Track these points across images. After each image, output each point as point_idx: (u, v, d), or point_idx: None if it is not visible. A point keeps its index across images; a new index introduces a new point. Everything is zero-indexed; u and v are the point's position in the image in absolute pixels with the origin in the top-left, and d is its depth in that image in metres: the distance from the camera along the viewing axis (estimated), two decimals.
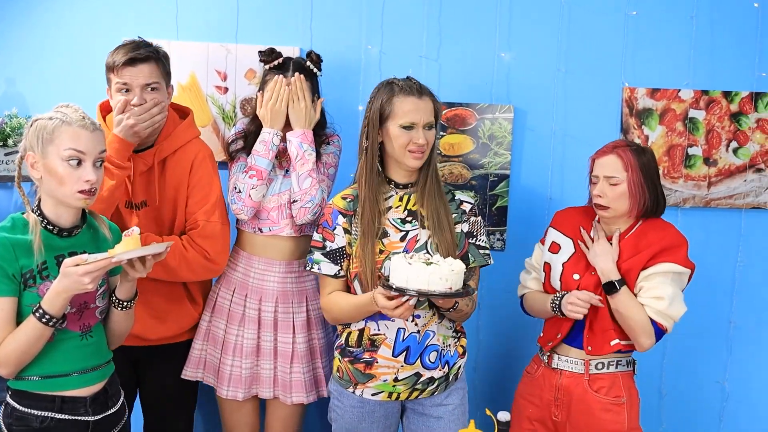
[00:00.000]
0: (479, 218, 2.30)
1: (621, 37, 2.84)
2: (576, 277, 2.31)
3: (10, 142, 2.65)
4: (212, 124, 2.85)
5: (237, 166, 2.49)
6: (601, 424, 2.26)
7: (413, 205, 2.23)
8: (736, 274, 2.92)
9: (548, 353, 2.36)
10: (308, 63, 2.51)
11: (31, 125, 1.88)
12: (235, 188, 2.43)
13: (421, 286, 1.93)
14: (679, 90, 2.85)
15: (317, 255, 2.24)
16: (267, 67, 2.50)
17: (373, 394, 2.21)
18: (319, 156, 2.51)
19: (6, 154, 2.66)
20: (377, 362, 2.18)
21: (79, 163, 1.85)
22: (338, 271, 2.23)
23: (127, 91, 2.30)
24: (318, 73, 2.54)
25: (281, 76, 2.44)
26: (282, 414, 2.52)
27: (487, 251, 2.28)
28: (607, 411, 2.26)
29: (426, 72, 2.84)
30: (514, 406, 2.45)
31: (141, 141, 2.37)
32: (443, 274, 1.94)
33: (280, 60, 2.49)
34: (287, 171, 2.49)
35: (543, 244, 2.48)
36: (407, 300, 1.99)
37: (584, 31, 2.85)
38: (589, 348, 2.28)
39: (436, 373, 2.21)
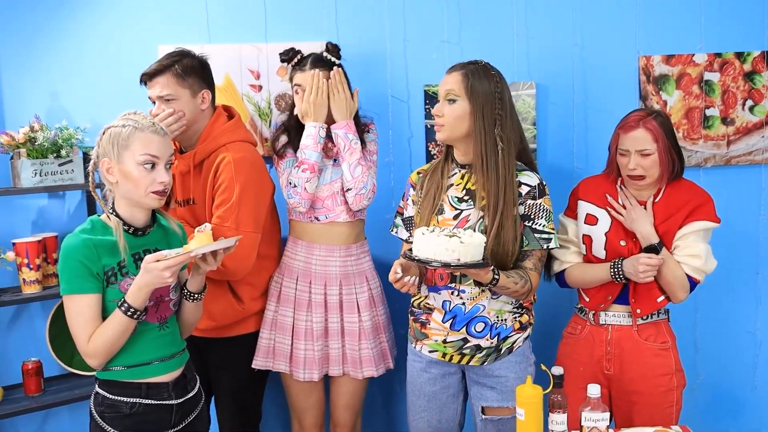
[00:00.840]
0: (539, 201, 2.28)
1: (633, 6, 2.95)
2: (623, 243, 2.43)
3: (62, 153, 2.80)
4: (249, 121, 2.99)
5: (286, 162, 2.64)
6: (652, 369, 2.41)
7: (472, 185, 2.32)
8: (759, 226, 3.03)
9: (593, 312, 2.48)
10: (325, 54, 2.65)
11: (104, 133, 2.01)
12: (290, 183, 2.57)
13: (428, 255, 2.00)
14: (693, 54, 2.97)
15: (398, 219, 2.48)
16: (289, 66, 2.67)
17: (429, 351, 2.38)
18: (363, 144, 2.64)
19: (60, 165, 2.80)
20: (429, 324, 2.35)
21: (153, 166, 1.99)
22: (408, 237, 2.41)
23: (154, 103, 2.50)
24: (336, 61, 2.67)
25: (317, 70, 2.57)
26: (350, 389, 2.69)
27: (546, 235, 2.28)
28: (656, 356, 2.42)
29: (449, 55, 2.97)
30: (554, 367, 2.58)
31: (184, 143, 2.55)
32: (450, 245, 1.98)
33: (299, 57, 2.66)
34: (335, 160, 2.63)
35: (571, 217, 2.57)
36: (402, 278, 2.13)
37: (597, 3, 2.96)
38: (639, 311, 2.42)
39: (484, 342, 2.32)
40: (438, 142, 2.84)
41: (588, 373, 2.47)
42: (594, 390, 1.99)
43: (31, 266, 2.75)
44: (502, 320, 2.32)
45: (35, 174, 2.76)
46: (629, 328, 2.45)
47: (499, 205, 2.21)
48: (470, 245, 2.01)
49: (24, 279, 2.78)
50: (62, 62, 2.99)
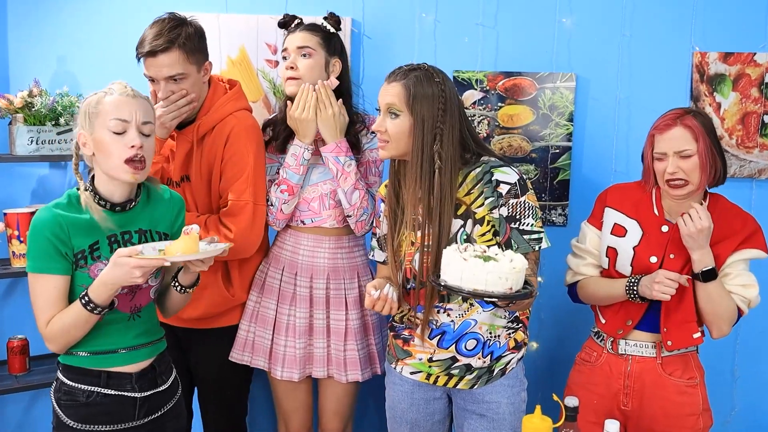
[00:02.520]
0: (523, 199, 2.01)
1: None
2: (653, 260, 2.15)
3: (62, 121, 2.63)
4: (263, 99, 2.79)
5: (266, 168, 2.42)
6: (676, 408, 2.14)
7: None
8: None
9: (611, 339, 2.23)
10: (323, 23, 2.42)
11: (80, 105, 1.86)
12: (267, 200, 2.37)
13: (478, 285, 1.74)
14: (755, 53, 2.67)
15: (373, 241, 2.24)
16: (285, 32, 2.45)
17: (411, 373, 2.14)
18: (357, 147, 2.41)
19: (58, 133, 2.64)
20: (413, 341, 2.12)
21: (125, 132, 1.82)
22: (386, 257, 2.16)
23: (153, 81, 2.25)
24: (329, 28, 2.43)
25: (308, 84, 2.33)
26: (336, 393, 2.47)
27: (535, 235, 2.02)
28: (682, 393, 2.14)
29: (483, 40, 2.73)
30: (567, 396, 2.33)
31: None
32: (503, 272, 1.74)
33: (297, 22, 2.43)
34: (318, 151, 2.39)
35: (595, 226, 2.30)
36: (380, 295, 1.94)
37: None
38: (669, 343, 2.13)
39: (475, 362, 2.07)
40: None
41: (602, 407, 2.21)
42: (612, 427, 1.75)
43: (22, 239, 2.59)
44: (495, 337, 2.08)
45: (31, 141, 2.59)
46: (653, 360, 2.18)
47: (436, 223, 1.98)
48: (521, 270, 1.77)
49: (13, 252, 2.62)
50: (72, 27, 2.81)
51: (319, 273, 2.42)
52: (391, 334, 2.20)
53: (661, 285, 2.04)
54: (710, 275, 2.06)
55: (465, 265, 1.75)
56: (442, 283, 1.81)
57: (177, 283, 1.96)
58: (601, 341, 2.26)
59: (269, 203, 2.38)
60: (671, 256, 2.14)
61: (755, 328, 2.78)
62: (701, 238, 2.04)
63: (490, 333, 2.07)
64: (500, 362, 2.10)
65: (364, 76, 2.75)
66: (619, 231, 2.23)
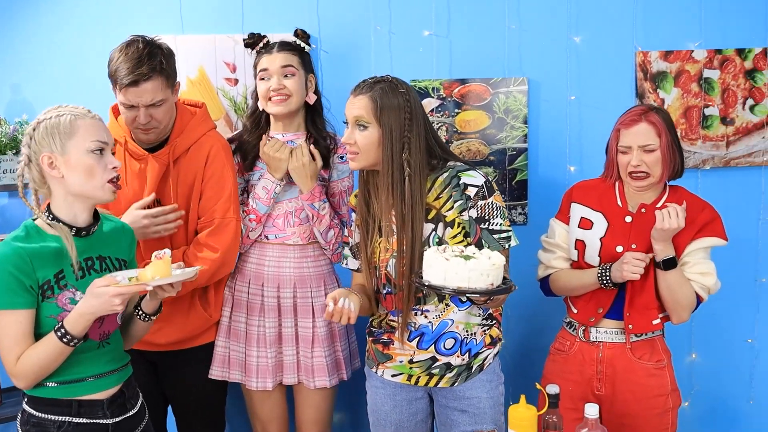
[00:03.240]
0: (490, 200, 2.08)
1: (631, 0, 2.81)
2: (619, 249, 2.27)
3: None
4: (224, 117, 2.81)
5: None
6: (646, 390, 2.25)
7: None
8: (759, 231, 2.91)
9: (583, 327, 2.34)
10: (296, 40, 2.49)
11: (36, 128, 1.82)
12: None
13: (461, 283, 1.81)
14: (692, 51, 2.83)
15: (346, 250, 2.29)
16: (253, 51, 2.50)
17: (393, 375, 2.20)
18: (328, 166, 2.48)
19: (20, 162, 2.61)
20: (393, 344, 2.18)
21: (102, 152, 1.84)
22: (360, 265, 2.23)
23: (131, 107, 2.24)
24: (306, 47, 2.50)
25: (286, 145, 2.42)
26: (312, 401, 2.52)
27: (504, 234, 2.09)
28: (651, 376, 2.26)
29: (437, 49, 2.81)
30: (544, 386, 2.42)
31: (153, 139, 2.33)
32: (484, 269, 1.81)
33: (265, 41, 2.49)
34: (291, 177, 2.45)
35: (562, 221, 2.41)
36: (340, 309, 1.99)
37: None
38: (630, 326, 2.26)
39: (455, 360, 2.14)
40: None
41: (577, 392, 2.32)
42: (592, 410, 1.84)
43: None
44: (471, 335, 2.15)
45: None
46: (622, 345, 2.29)
47: (409, 228, 2.05)
48: (500, 267, 1.85)
49: None
50: (26, 53, 2.78)
51: (285, 282, 2.47)
52: (370, 339, 2.25)
53: (629, 265, 2.16)
54: (670, 264, 2.18)
55: (448, 265, 1.82)
56: (425, 283, 1.87)
57: (140, 312, 1.96)
58: (573, 330, 2.36)
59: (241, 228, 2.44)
60: (633, 246, 2.25)
61: (708, 308, 2.91)
62: (670, 233, 2.15)
63: (467, 331, 2.14)
64: (478, 359, 2.17)
65: (323, 90, 2.80)
66: (585, 224, 2.34)
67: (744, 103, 2.86)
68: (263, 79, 2.43)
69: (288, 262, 2.47)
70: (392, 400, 2.22)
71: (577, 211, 2.37)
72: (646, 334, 2.28)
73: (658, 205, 2.25)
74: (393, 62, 2.81)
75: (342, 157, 2.51)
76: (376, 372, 2.24)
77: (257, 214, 2.42)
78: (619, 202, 2.32)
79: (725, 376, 3.00)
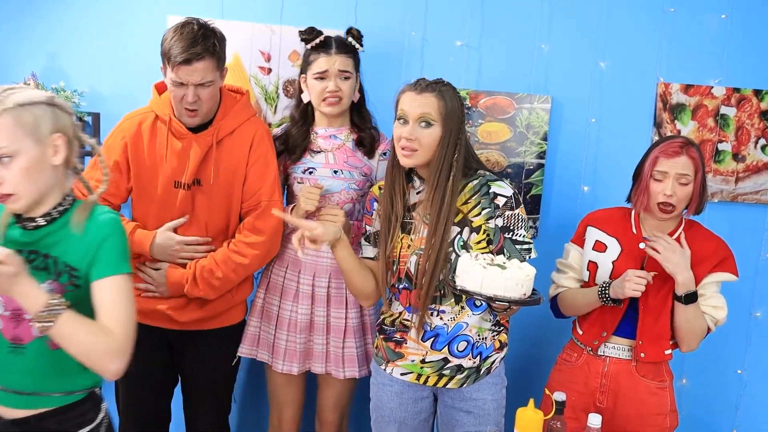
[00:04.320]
0: (516, 211, 2.15)
1: (657, 32, 2.90)
2: None
3: None
4: (255, 104, 2.87)
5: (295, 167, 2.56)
6: (647, 407, 2.33)
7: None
8: (759, 267, 3.00)
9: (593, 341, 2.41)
10: (350, 39, 2.54)
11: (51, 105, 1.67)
12: None
13: (497, 291, 1.91)
14: (712, 87, 2.92)
15: (363, 240, 2.33)
16: (309, 46, 2.50)
17: (402, 374, 2.24)
18: (371, 153, 2.58)
19: None
20: (406, 343, 2.23)
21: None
22: (376, 254, 2.27)
23: (180, 85, 2.29)
24: (359, 48, 2.56)
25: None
26: (335, 390, 2.59)
27: (525, 246, 2.17)
28: (653, 394, 2.34)
29: (467, 60, 2.89)
30: (545, 397, 2.49)
31: (198, 122, 2.38)
32: (519, 279, 1.91)
33: (322, 38, 2.49)
34: (335, 171, 2.52)
35: (577, 244, 2.49)
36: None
37: (622, 25, 2.90)
38: (642, 355, 2.33)
39: (466, 362, 2.20)
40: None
41: (579, 403, 2.39)
42: (595, 420, 1.92)
43: None
44: (482, 339, 2.22)
45: None
46: (628, 362, 2.37)
47: (442, 228, 2.11)
48: (532, 278, 1.96)
49: None
50: (64, 22, 2.84)
51: (322, 271, 2.52)
52: (381, 336, 2.29)
53: (631, 282, 2.21)
54: (692, 298, 2.25)
55: (485, 273, 1.91)
56: (459, 287, 1.96)
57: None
58: (581, 344, 2.44)
59: None
60: (653, 274, 2.27)
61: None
62: (683, 261, 2.23)
63: (479, 335, 2.21)
64: (487, 362, 2.24)
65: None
66: (599, 247, 2.42)
67: (756, 143, 2.96)
68: (321, 79, 2.46)
69: (326, 252, 2.49)
70: (399, 398, 2.28)
71: (593, 234, 2.45)
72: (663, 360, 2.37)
73: (674, 236, 2.33)
74: (424, 68, 2.89)
75: (385, 154, 2.56)
76: (385, 369, 2.28)
77: None
78: (634, 230, 2.40)
79: (713, 403, 3.09)
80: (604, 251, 2.41)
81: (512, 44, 2.90)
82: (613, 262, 2.38)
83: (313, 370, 2.55)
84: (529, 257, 2.19)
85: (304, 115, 2.55)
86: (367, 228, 2.32)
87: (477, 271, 1.94)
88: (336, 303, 2.54)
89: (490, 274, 1.92)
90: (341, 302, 2.54)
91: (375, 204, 2.28)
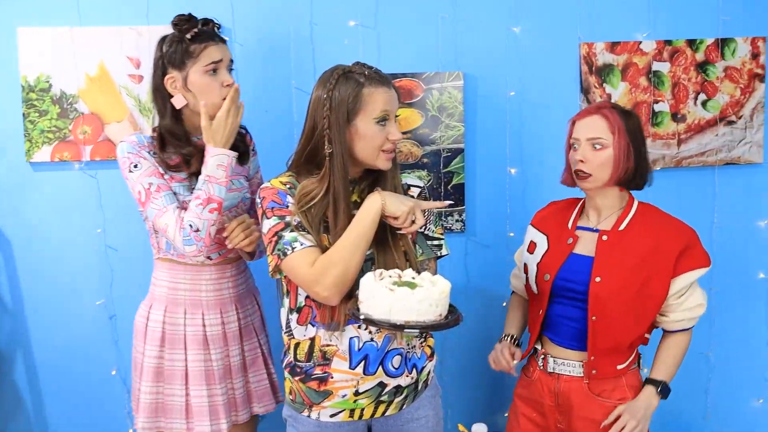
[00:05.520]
0: None
1: None
2: (546, 278, 2.05)
3: None
4: (128, 117, 2.54)
5: (164, 196, 2.03)
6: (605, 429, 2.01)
7: (359, 197, 1.90)
8: (713, 236, 2.70)
9: (542, 356, 2.11)
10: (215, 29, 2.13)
11: None
12: (191, 226, 1.99)
13: (409, 316, 1.62)
14: (640, 42, 2.62)
15: (289, 234, 1.81)
16: (188, 36, 2.06)
17: (331, 415, 1.90)
18: (246, 158, 2.23)
19: None
20: (332, 377, 1.87)
21: None
22: (318, 240, 1.86)
23: (215, 71, 2.07)
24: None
25: (237, 85, 2.07)
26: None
27: (437, 242, 1.95)
28: (609, 414, 2.01)
29: (363, 41, 2.57)
30: (512, 408, 2.21)
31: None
32: (433, 299, 1.63)
33: (199, 27, 2.08)
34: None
35: (524, 240, 2.24)
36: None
37: None
38: (594, 372, 2.02)
39: (403, 380, 1.90)
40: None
41: (540, 421, 2.12)
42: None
43: None
44: (412, 348, 1.92)
45: None
46: (580, 379, 2.04)
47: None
48: (448, 295, 1.69)
49: None
50: None
51: (227, 305, 2.18)
52: (297, 378, 1.92)
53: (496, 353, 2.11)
54: (667, 390, 2.03)
55: (393, 297, 1.61)
56: (364, 316, 1.65)
57: None
58: (536, 356, 2.14)
59: (193, 228, 1.99)
60: (597, 279, 1.98)
61: None
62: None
63: (408, 344, 1.91)
64: (423, 374, 1.96)
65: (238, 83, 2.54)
66: (531, 247, 2.16)
67: (696, 99, 2.65)
68: (214, 71, 2.06)
69: (227, 282, 2.18)
70: None
71: (530, 234, 2.20)
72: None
73: (622, 228, 2.02)
74: (315, 55, 2.57)
75: (253, 149, 2.29)
76: (308, 416, 1.92)
77: (218, 200, 2.00)
78: (570, 223, 2.09)
79: (680, 390, 2.78)
80: (533, 252, 2.13)
81: (412, 18, 2.58)
82: (537, 264, 2.09)
83: (239, 419, 2.21)
84: (440, 254, 1.94)
85: (182, 125, 2.11)
86: (290, 219, 1.84)
87: (383, 296, 1.63)
88: (247, 334, 2.22)
89: (399, 297, 1.61)
90: (251, 332, 2.23)
91: (288, 197, 1.85)
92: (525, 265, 2.16)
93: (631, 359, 2.05)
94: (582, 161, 1.98)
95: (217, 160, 2.01)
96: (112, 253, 2.59)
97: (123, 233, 2.58)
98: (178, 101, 2.07)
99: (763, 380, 2.80)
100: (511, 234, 2.65)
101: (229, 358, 2.18)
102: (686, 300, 2.00)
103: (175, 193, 2.07)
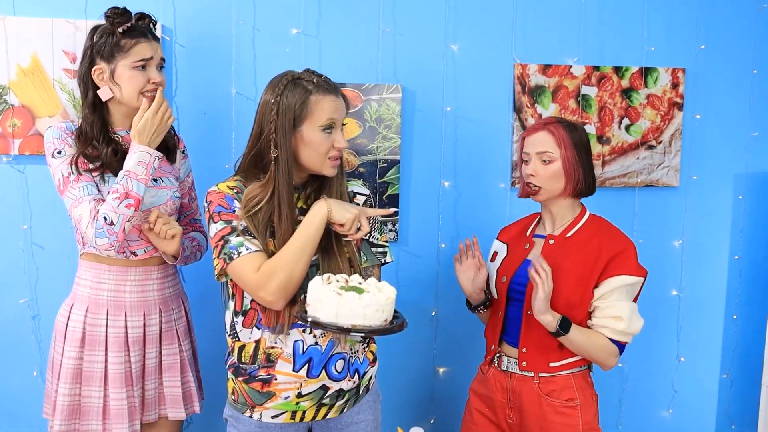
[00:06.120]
0: None
1: (510, 11, 2.69)
2: (504, 279, 2.14)
3: None
4: (61, 112, 2.48)
5: (83, 186, 2.03)
6: (553, 427, 2.08)
7: (305, 203, 1.93)
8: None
9: (497, 354, 2.18)
10: (151, 26, 2.14)
11: None
12: (105, 219, 1.97)
13: (356, 320, 1.66)
14: (571, 66, 2.73)
15: (235, 239, 1.82)
16: (121, 30, 2.05)
17: (273, 417, 1.92)
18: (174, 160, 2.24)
19: None
20: (276, 379, 1.89)
21: None
22: (263, 246, 1.86)
23: (145, 67, 2.07)
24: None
25: (162, 86, 2.09)
26: None
27: (382, 249, 2.00)
28: (558, 414, 2.08)
29: (305, 49, 2.59)
30: (468, 403, 2.28)
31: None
32: (380, 304, 1.67)
33: (141, 21, 2.10)
34: (155, 180, 2.14)
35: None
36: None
37: (472, 3, 2.67)
38: (524, 363, 2.10)
39: (345, 384, 1.93)
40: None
41: (492, 416, 2.20)
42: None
43: None
44: (355, 353, 1.96)
45: None
46: (531, 379, 2.11)
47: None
48: (393, 300, 1.72)
49: None
50: None
51: (151, 308, 2.16)
52: (240, 379, 1.92)
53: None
54: (562, 330, 1.99)
55: (341, 301, 1.65)
56: (311, 319, 1.68)
57: None
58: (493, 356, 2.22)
59: (108, 221, 1.97)
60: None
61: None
62: (541, 302, 1.97)
63: (351, 349, 1.95)
64: (365, 379, 1.99)
65: (177, 87, 2.52)
66: (493, 257, 2.25)
67: (620, 123, 2.79)
68: (143, 68, 2.06)
69: (151, 284, 2.16)
70: None
71: (494, 246, 2.29)
72: (557, 371, 2.10)
73: (570, 234, 2.11)
74: (257, 61, 2.57)
75: (184, 152, 2.29)
76: (251, 416, 1.92)
77: (136, 197, 1.99)
78: (529, 231, 2.19)
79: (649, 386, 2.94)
80: (494, 260, 2.23)
81: (355, 29, 2.62)
82: (497, 270, 2.18)
83: (146, 419, 2.18)
84: (385, 261, 2.00)
85: (104, 120, 2.11)
86: (236, 223, 1.84)
87: (331, 299, 1.66)
88: (167, 339, 2.19)
89: (347, 302, 1.66)
90: (173, 337, 2.20)
91: (235, 201, 1.85)
92: (490, 275, 2.22)
93: (570, 361, 2.09)
94: (532, 175, 2.09)
95: (139, 156, 2.02)
96: (38, 250, 2.52)
97: (50, 231, 2.51)
98: (104, 93, 2.08)
99: (673, 392, 2.95)
100: (443, 245, 2.71)
101: (145, 360, 2.16)
102: (607, 308, 2.04)
103: (97, 186, 2.06)
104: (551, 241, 2.11)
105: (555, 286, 2.01)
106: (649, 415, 2.95)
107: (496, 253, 2.25)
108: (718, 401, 2.98)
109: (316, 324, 1.68)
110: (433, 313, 2.73)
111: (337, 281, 1.74)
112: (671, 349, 2.93)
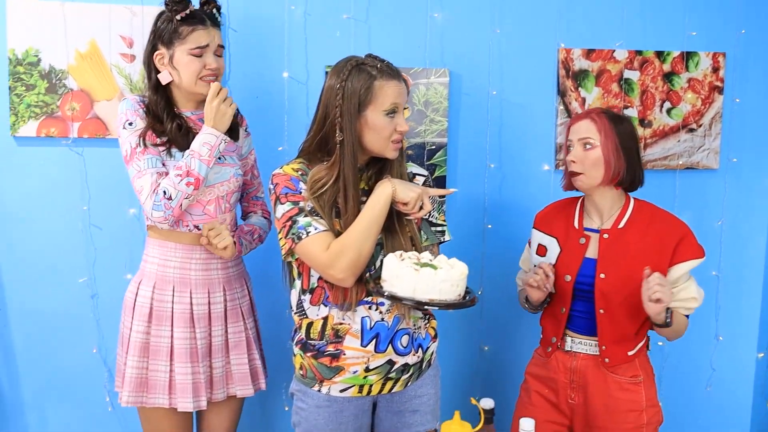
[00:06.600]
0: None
1: None
2: (567, 278, 2.17)
3: None
4: (119, 96, 2.53)
5: (148, 158, 2.09)
6: (618, 404, 2.15)
7: (366, 184, 1.98)
8: None
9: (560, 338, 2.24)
10: (214, 11, 2.19)
11: None
12: (165, 193, 2.05)
13: (432, 294, 1.73)
14: (614, 50, 2.78)
15: (303, 219, 1.87)
16: (179, 17, 2.11)
17: (341, 390, 1.98)
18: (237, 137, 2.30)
19: None
20: (344, 354, 1.95)
21: None
22: (330, 226, 1.92)
23: (199, 56, 2.13)
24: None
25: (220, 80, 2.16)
26: (226, 414, 2.31)
27: (441, 228, 2.08)
28: (624, 390, 2.15)
29: (355, 34, 2.64)
30: (524, 385, 2.33)
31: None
32: (454, 280, 1.74)
33: (191, 9, 2.13)
34: (220, 158, 2.19)
35: (529, 244, 2.36)
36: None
37: None
38: (607, 360, 2.15)
39: (411, 359, 1.99)
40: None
41: (552, 398, 2.24)
42: (527, 425, 1.72)
43: None
44: (417, 329, 2.02)
45: None
46: (596, 357, 2.17)
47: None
48: (465, 276, 1.80)
49: None
50: None
51: (215, 286, 2.22)
52: (309, 354, 1.98)
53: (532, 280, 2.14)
54: (663, 325, 2.06)
55: (418, 276, 1.72)
56: (388, 293, 1.76)
57: None
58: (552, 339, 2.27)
59: (167, 195, 2.05)
60: (602, 275, 2.11)
61: None
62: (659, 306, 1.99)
63: (414, 325, 2.01)
64: (427, 354, 2.06)
65: (230, 70, 2.58)
66: (541, 250, 2.28)
67: (662, 106, 2.84)
68: (199, 55, 2.12)
69: (216, 263, 2.21)
70: (338, 418, 1.99)
71: (536, 237, 2.32)
72: (631, 361, 2.18)
73: (621, 225, 2.15)
74: (308, 45, 2.62)
75: (246, 129, 2.35)
76: (319, 390, 1.98)
77: (197, 177, 2.06)
78: (576, 223, 2.23)
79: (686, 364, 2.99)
80: (545, 255, 2.26)
81: (403, 14, 2.67)
82: (555, 266, 2.21)
83: (215, 398, 2.24)
84: (443, 240, 2.07)
85: (169, 100, 2.18)
86: (303, 204, 1.90)
87: (408, 275, 1.73)
88: (232, 317, 2.25)
89: (423, 277, 1.73)
90: (237, 315, 2.26)
91: (300, 183, 1.91)
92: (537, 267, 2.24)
93: (641, 345, 2.18)
94: (574, 161, 2.14)
95: (205, 138, 2.10)
96: (96, 231, 2.58)
97: (107, 212, 2.57)
98: (164, 77, 2.16)
99: (711, 370, 3.01)
100: (489, 226, 2.77)
101: (211, 338, 2.21)
102: (681, 291, 2.12)
103: (162, 161, 2.13)
104: (606, 236, 2.15)
105: (623, 276, 2.09)
106: (688, 392, 3.01)
107: (543, 247, 2.27)
108: (755, 379, 3.04)
109: (393, 298, 1.75)
110: (480, 292, 2.78)
111: (410, 258, 1.80)
112: (710, 329, 2.98)
